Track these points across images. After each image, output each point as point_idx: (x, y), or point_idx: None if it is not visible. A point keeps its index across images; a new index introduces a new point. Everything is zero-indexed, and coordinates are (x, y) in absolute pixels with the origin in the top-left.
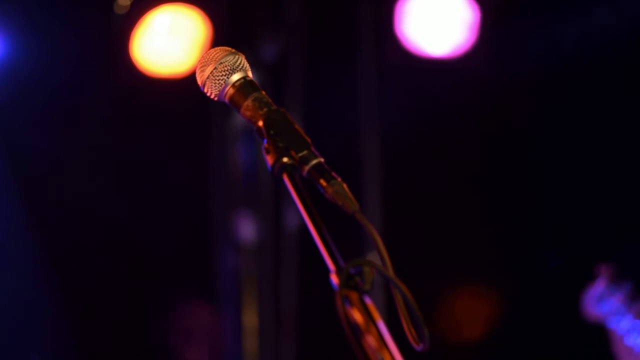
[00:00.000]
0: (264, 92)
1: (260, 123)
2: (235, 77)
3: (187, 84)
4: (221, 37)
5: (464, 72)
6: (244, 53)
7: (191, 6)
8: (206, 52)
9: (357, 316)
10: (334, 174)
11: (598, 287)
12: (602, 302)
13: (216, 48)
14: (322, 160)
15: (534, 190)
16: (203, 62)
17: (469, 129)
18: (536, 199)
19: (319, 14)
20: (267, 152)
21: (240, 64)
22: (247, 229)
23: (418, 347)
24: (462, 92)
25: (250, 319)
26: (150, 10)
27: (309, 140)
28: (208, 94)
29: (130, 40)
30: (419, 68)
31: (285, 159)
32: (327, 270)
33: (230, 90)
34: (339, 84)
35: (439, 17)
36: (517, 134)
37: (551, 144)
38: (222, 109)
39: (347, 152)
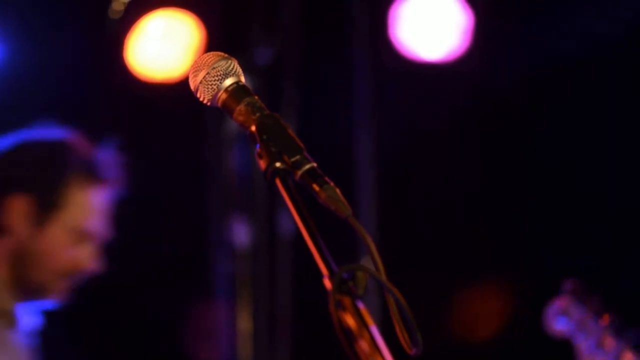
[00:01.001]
0: (256, 97)
1: (253, 128)
2: (228, 82)
3: (181, 89)
4: (215, 41)
5: (458, 76)
6: (238, 57)
7: (185, 11)
8: (199, 57)
9: (350, 321)
10: (326, 178)
11: (561, 302)
12: (565, 317)
13: (209, 53)
14: (315, 165)
15: (529, 194)
16: (195, 67)
17: (464, 133)
18: (532, 203)
19: (314, 18)
20: (260, 156)
21: (232, 68)
22: (241, 234)
23: (411, 352)
24: (456, 96)
25: (244, 323)
26: (145, 15)
27: (302, 145)
28: (201, 99)
29: (125, 45)
30: (414, 72)
31: (278, 164)
32: (321, 275)
33: (222, 95)
34: (334, 89)
35: (433, 21)
36: (513, 138)
37: (547, 148)
38: (216, 113)
39: (342, 156)
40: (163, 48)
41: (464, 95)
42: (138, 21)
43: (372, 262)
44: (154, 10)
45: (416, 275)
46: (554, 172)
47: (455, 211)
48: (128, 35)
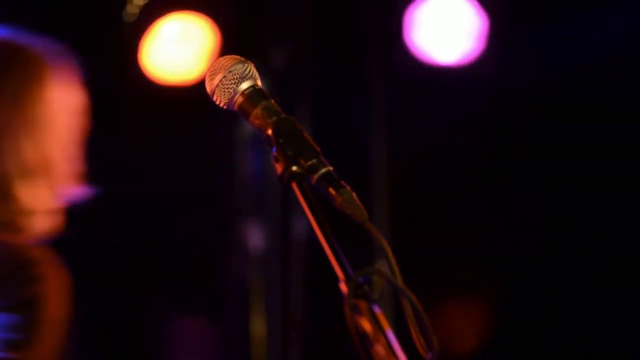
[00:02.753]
0: (272, 101)
1: (269, 131)
2: (244, 85)
3: (195, 92)
4: (230, 44)
5: (473, 80)
6: (252, 61)
7: (200, 14)
8: (215, 60)
9: (366, 325)
10: (343, 182)
11: None
12: None
13: (225, 56)
14: (331, 168)
15: (541, 198)
16: (212, 70)
17: (478, 137)
18: (545, 207)
19: (328, 22)
20: (276, 160)
21: (249, 72)
22: (254, 237)
23: (427, 357)
24: (471, 100)
25: (257, 327)
26: (160, 18)
27: (318, 148)
28: (217, 103)
29: (139, 48)
30: (428, 76)
31: (294, 168)
32: (335, 279)
33: (239, 99)
34: (348, 92)
35: (448, 24)
36: (528, 142)
37: (562, 154)
38: (230, 117)
39: (356, 160)
40: (177, 51)
41: (479, 99)
42: (153, 24)
43: (387, 266)
44: (169, 13)
45: (430, 279)
46: (567, 178)
47: (469, 215)
48: (143, 38)
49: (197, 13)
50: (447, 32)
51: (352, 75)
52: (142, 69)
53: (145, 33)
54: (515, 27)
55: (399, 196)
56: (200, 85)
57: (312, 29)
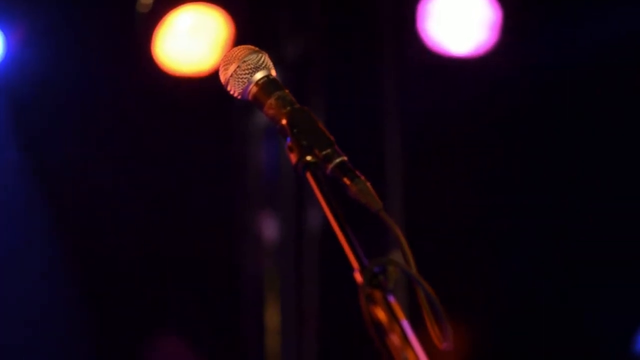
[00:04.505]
0: (287, 91)
1: (284, 121)
2: (259, 75)
3: (209, 83)
4: (243, 36)
5: (485, 71)
6: (266, 52)
7: (213, 5)
8: (229, 50)
9: (381, 315)
10: (357, 172)
11: None
12: None
13: (239, 46)
14: (345, 158)
15: (554, 188)
16: (226, 60)
17: (491, 128)
18: (556, 198)
19: (341, 12)
20: (291, 150)
21: (263, 62)
22: (269, 228)
23: (442, 346)
24: (484, 92)
25: (272, 318)
26: (173, 9)
27: (332, 138)
28: (231, 93)
29: (153, 39)
30: (441, 67)
31: (308, 158)
32: (349, 269)
33: (253, 89)
34: (362, 83)
35: (461, 15)
36: (539, 133)
37: (573, 144)
38: (244, 107)
39: (369, 150)
40: (191, 42)
41: (491, 90)
42: (166, 16)
43: (402, 256)
44: (182, 5)
45: (444, 267)
46: (579, 169)
47: (484, 205)
48: (156, 29)
49: (210, 4)
50: (461, 24)
51: (365, 65)
52: (156, 60)
53: (159, 24)
54: (529, 18)
55: (413, 185)
56: (213, 76)
57: (326, 20)
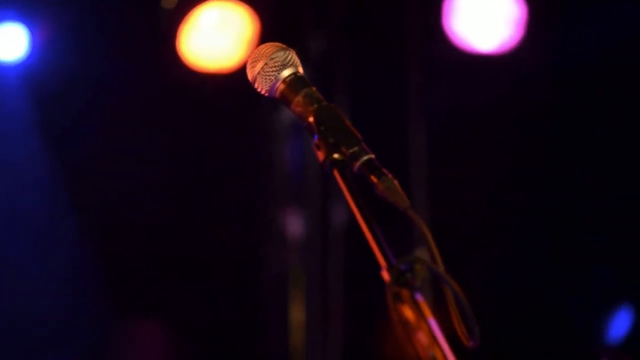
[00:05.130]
0: (314, 88)
1: (311, 119)
2: (286, 72)
3: (234, 80)
4: (268, 32)
5: (511, 68)
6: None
7: (238, 2)
8: (257, 47)
9: (408, 313)
10: (384, 170)
11: None
12: None
13: (267, 44)
14: (373, 156)
15: (578, 185)
16: (254, 58)
17: (516, 125)
18: (581, 194)
19: (366, 9)
20: (318, 148)
21: (290, 59)
22: (294, 225)
23: (469, 345)
24: (508, 88)
25: (297, 315)
26: (198, 5)
27: (359, 136)
28: (258, 90)
29: (178, 35)
30: (466, 64)
31: (336, 155)
32: (373, 266)
33: (280, 86)
34: (386, 79)
35: (486, 12)
36: (565, 131)
37: (601, 142)
38: (269, 104)
39: (395, 147)
40: (216, 39)
41: (516, 87)
42: (191, 12)
43: (428, 253)
44: (208, 1)
45: (468, 265)
46: (604, 165)
47: (509, 202)
48: (181, 25)
49: (235, 1)
50: (486, 20)
51: (390, 62)
52: (181, 56)
53: (184, 20)
54: (554, 14)
55: (438, 183)
56: (238, 73)
57: (350, 17)
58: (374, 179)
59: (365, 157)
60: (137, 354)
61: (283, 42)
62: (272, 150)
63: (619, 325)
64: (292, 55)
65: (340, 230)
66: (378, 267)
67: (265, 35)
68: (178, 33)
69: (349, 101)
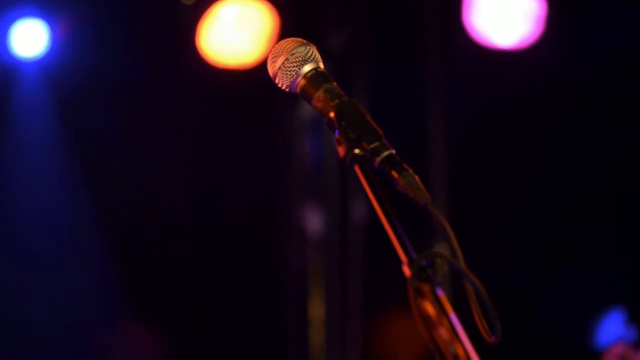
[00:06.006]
0: (335, 84)
1: (332, 114)
2: (307, 68)
3: (254, 75)
4: (288, 28)
5: (530, 63)
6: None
7: None
8: (278, 43)
9: (429, 308)
10: (405, 165)
11: None
12: None
13: (288, 39)
14: (393, 151)
15: (599, 182)
16: (274, 53)
17: (536, 121)
18: (603, 192)
19: (386, 4)
20: (339, 143)
21: (311, 55)
22: (313, 221)
23: (490, 340)
24: (528, 84)
25: (316, 311)
26: (218, 1)
27: (380, 131)
28: (279, 85)
29: (198, 31)
30: (486, 59)
31: (356, 151)
32: (393, 262)
33: (301, 82)
34: (406, 75)
35: (506, 8)
36: (584, 127)
37: (619, 137)
38: (289, 100)
39: (414, 143)
40: (236, 34)
41: (536, 82)
42: (211, 8)
43: (449, 249)
44: None
45: (489, 262)
46: (625, 161)
47: (528, 197)
48: (201, 21)
49: None
50: (506, 16)
51: (410, 58)
52: (201, 52)
53: (204, 16)
54: (574, 11)
55: (458, 178)
56: (258, 68)
57: (370, 13)
58: (394, 174)
59: (386, 153)
60: (157, 350)
61: (302, 37)
62: (291, 147)
63: (610, 327)
64: (313, 51)
65: (359, 226)
66: (397, 263)
67: (285, 31)
68: (198, 29)
69: (368, 97)
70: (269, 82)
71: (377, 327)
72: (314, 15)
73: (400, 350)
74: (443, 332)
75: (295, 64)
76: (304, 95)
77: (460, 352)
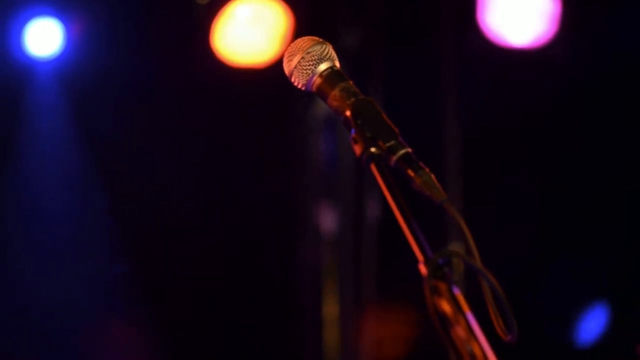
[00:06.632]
0: (351, 82)
1: (348, 113)
2: (323, 66)
3: (268, 75)
4: (302, 27)
5: (544, 62)
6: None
7: None
8: (293, 41)
9: (446, 307)
10: (421, 164)
11: None
12: None
13: (304, 38)
14: (410, 150)
15: (615, 177)
16: (290, 51)
17: (549, 119)
18: (618, 187)
19: (400, 2)
20: (355, 142)
21: (327, 53)
22: (328, 220)
23: (506, 339)
24: (542, 83)
25: (330, 309)
26: (232, 0)
27: (396, 130)
28: (295, 84)
29: (212, 30)
30: (500, 58)
31: (373, 149)
32: (407, 261)
33: (317, 80)
34: (420, 74)
35: (521, 7)
36: (598, 126)
37: (633, 137)
38: (303, 99)
39: (428, 142)
40: (250, 33)
41: (550, 81)
42: (225, 6)
43: (465, 247)
44: None
45: (502, 259)
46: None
47: (542, 195)
48: (215, 20)
49: None
50: (520, 14)
51: (424, 56)
52: (215, 51)
53: (218, 15)
54: (588, 9)
55: (472, 176)
56: (273, 67)
57: (385, 11)
58: (411, 173)
59: (402, 151)
60: (172, 346)
61: (316, 36)
62: (306, 146)
63: (593, 324)
64: (329, 49)
65: (373, 224)
66: (411, 262)
67: (300, 29)
68: (212, 28)
69: (383, 96)
70: (284, 81)
71: (391, 325)
72: (328, 15)
73: (415, 348)
74: (460, 331)
75: (311, 63)
76: (320, 93)
77: (477, 350)
